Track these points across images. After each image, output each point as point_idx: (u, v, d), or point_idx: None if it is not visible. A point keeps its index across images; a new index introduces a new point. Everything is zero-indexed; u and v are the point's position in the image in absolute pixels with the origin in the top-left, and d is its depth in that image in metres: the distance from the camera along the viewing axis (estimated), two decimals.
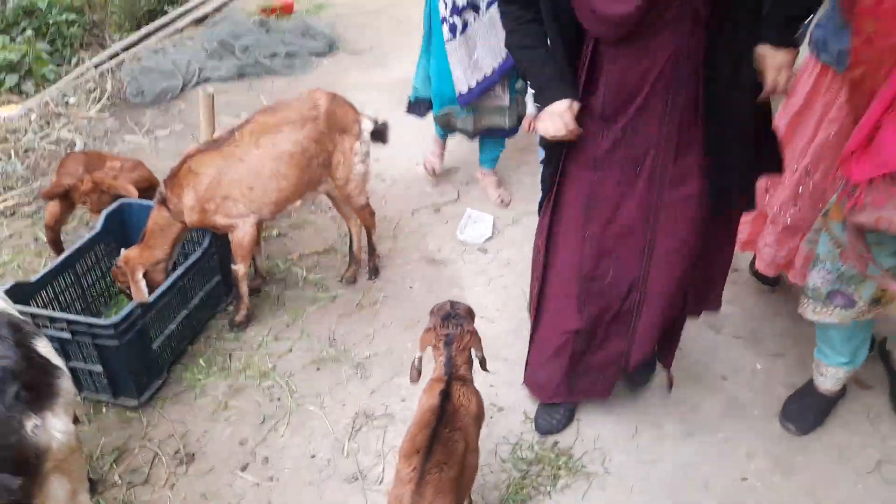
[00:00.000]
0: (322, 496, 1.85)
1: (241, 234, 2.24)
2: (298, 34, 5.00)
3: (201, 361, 2.25)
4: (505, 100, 2.73)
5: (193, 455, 1.96)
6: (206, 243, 2.31)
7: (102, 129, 3.86)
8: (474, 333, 1.64)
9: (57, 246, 2.64)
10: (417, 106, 3.01)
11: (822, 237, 1.79)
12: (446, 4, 2.51)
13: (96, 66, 4.69)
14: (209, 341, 2.36)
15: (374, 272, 2.66)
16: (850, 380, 2.00)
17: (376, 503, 1.82)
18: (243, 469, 1.92)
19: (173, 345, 2.21)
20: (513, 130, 2.88)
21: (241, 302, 2.37)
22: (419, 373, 1.63)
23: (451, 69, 2.61)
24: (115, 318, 1.92)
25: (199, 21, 6.00)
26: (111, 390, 2.05)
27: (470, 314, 1.69)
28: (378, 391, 2.16)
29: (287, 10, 5.76)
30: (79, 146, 3.59)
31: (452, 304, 1.69)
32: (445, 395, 1.53)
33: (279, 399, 2.13)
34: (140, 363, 2.04)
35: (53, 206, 2.56)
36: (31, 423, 1.25)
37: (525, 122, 2.69)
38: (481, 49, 2.57)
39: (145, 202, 2.56)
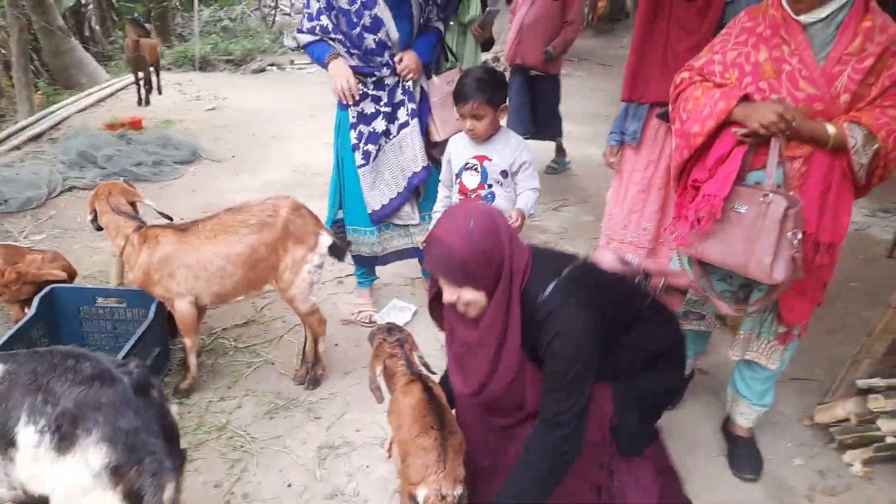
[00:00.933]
0: None
1: (180, 311, 2.42)
2: (159, 145, 5.22)
3: None
4: (415, 218, 2.86)
5: None
6: (151, 315, 2.45)
7: None
8: (412, 338, 1.92)
9: None
10: (337, 229, 3.03)
11: (674, 260, 2.20)
12: (360, 134, 2.66)
13: None
14: None
15: (314, 382, 2.61)
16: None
17: None
18: None
19: None
20: (423, 253, 2.84)
21: (189, 371, 2.51)
22: (380, 390, 1.86)
23: (362, 191, 2.74)
24: None
25: (35, 138, 5.94)
26: None
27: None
28: (333, 427, 2.41)
29: (135, 125, 5.95)
30: None
31: (388, 324, 2.00)
32: (425, 386, 1.79)
33: (241, 446, 2.29)
34: None
35: None
36: None
37: (420, 241, 2.83)
38: (391, 171, 2.73)
39: (73, 286, 2.65)
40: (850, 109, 1.78)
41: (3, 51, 9.27)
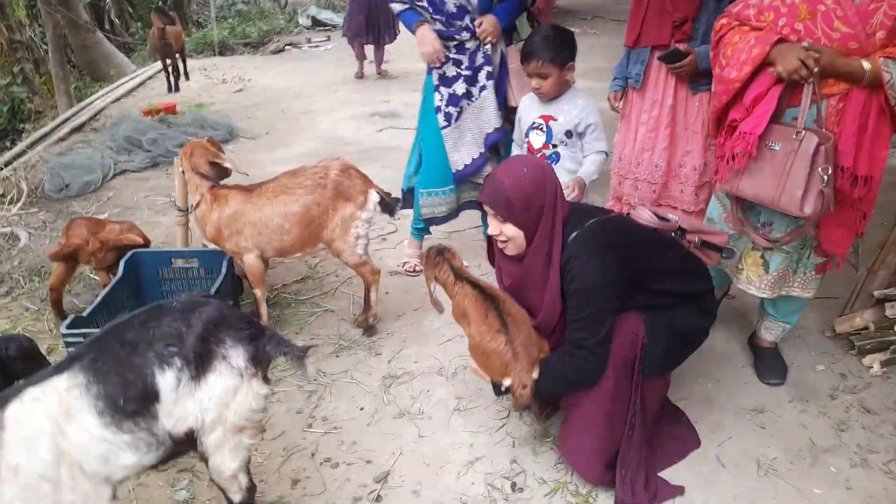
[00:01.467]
0: (381, 430, 2.31)
1: (249, 264, 2.69)
2: (198, 126, 5.47)
3: None
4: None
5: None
6: (223, 270, 2.72)
7: (36, 221, 4.03)
8: (454, 250, 2.12)
9: (59, 307, 2.88)
10: (409, 196, 3.24)
11: (712, 202, 2.36)
12: (442, 96, 2.82)
13: None
14: None
15: (369, 330, 2.81)
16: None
17: (422, 427, 2.32)
18: (309, 426, 2.33)
19: None
20: None
21: (261, 319, 2.79)
22: (439, 303, 2.12)
23: (447, 152, 2.89)
24: None
25: (77, 129, 6.25)
26: None
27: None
28: (393, 361, 2.68)
29: (171, 110, 6.21)
30: (23, 238, 3.76)
31: (431, 246, 2.17)
32: (474, 284, 1.98)
33: (315, 380, 2.57)
34: None
35: (59, 268, 2.82)
36: None
37: None
38: (472, 132, 2.89)
39: (152, 250, 2.94)
40: (886, 46, 1.80)
41: (31, 50, 9.60)
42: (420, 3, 2.71)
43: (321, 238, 2.70)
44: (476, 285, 2.00)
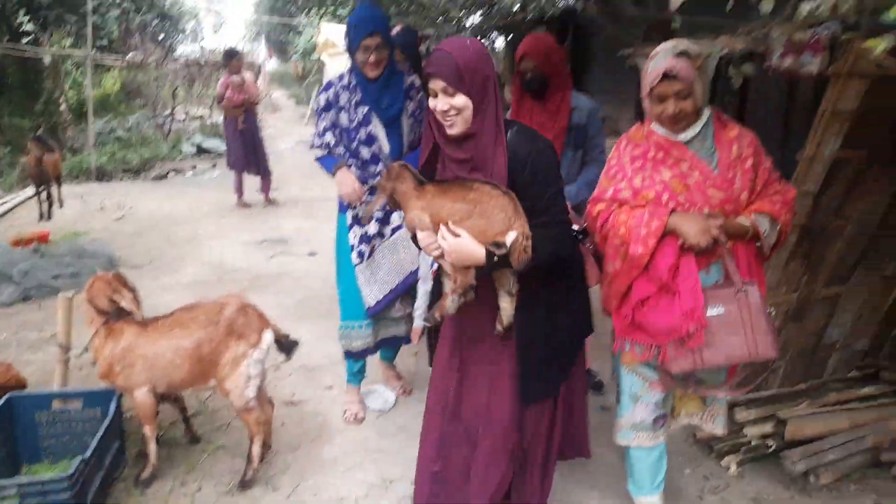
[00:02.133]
0: None
1: (139, 400, 2.65)
2: (75, 256, 5.29)
3: None
4: (403, 311, 3.11)
5: None
6: (111, 410, 2.64)
7: None
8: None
9: None
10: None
11: (626, 378, 2.27)
12: (356, 235, 2.95)
13: None
14: (117, 499, 2.59)
15: (244, 485, 2.67)
16: None
17: None
18: None
19: (98, 498, 2.43)
20: (407, 339, 3.21)
21: (148, 459, 2.68)
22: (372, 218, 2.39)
23: (359, 288, 2.99)
24: (68, 472, 2.19)
25: None
26: None
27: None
28: (292, 495, 2.65)
29: (43, 240, 5.96)
30: None
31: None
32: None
33: None
34: None
35: None
36: None
37: (413, 336, 3.07)
38: (385, 268, 3.00)
39: (29, 393, 2.80)
40: (748, 204, 2.07)
41: None
42: (337, 150, 2.90)
43: (211, 375, 2.68)
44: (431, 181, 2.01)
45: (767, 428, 2.96)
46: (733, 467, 2.87)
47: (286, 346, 2.78)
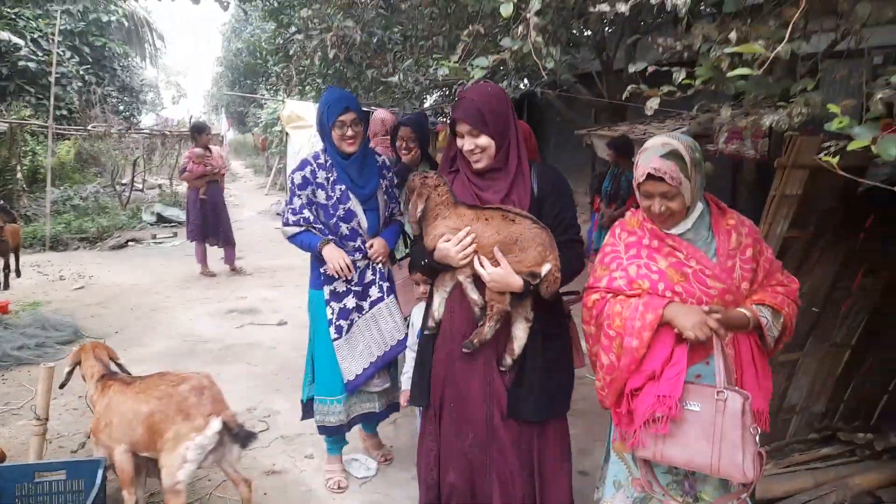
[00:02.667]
0: None
1: (117, 459, 2.68)
2: (39, 327, 5.21)
3: None
4: (381, 386, 3.14)
5: None
6: (98, 480, 2.60)
7: None
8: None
9: None
10: (309, 406, 3.21)
11: (614, 463, 2.16)
12: (333, 310, 2.96)
13: None
14: None
15: None
16: None
17: None
18: None
19: None
20: (384, 414, 3.24)
21: None
22: (418, 223, 2.26)
23: (339, 362, 2.99)
24: None
25: None
26: None
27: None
28: None
29: (3, 310, 5.84)
30: None
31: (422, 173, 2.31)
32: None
33: None
34: None
35: None
36: None
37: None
38: (364, 342, 3.03)
39: (10, 465, 2.74)
40: (749, 294, 1.97)
41: None
42: (317, 226, 2.94)
43: (156, 446, 2.64)
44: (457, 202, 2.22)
45: None
46: None
47: (240, 436, 2.64)
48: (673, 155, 1.87)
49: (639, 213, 2.06)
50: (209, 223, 7.75)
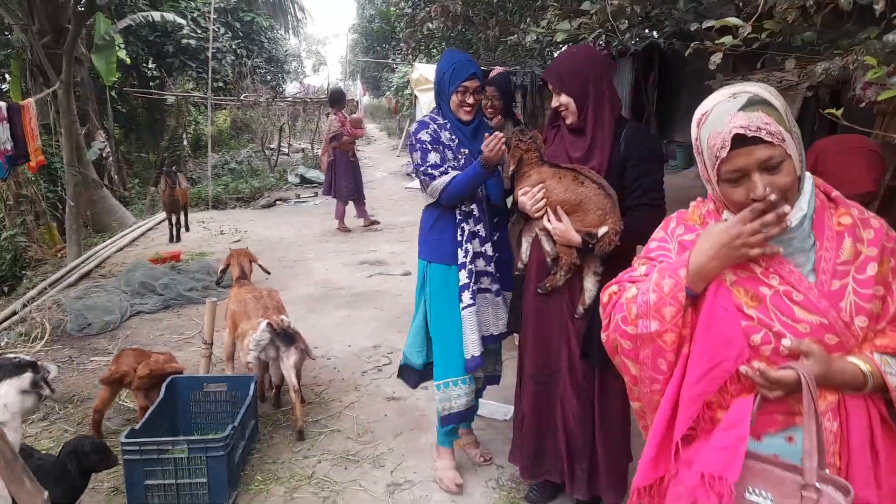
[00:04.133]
0: None
1: (226, 341, 3.67)
2: (204, 273, 6.06)
3: (258, 476, 3.02)
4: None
5: None
6: (250, 392, 3.19)
7: (62, 356, 4.45)
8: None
9: (99, 427, 3.27)
10: (408, 372, 3.09)
11: None
12: (470, 273, 2.68)
13: (14, 313, 5.28)
14: (254, 466, 3.13)
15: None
16: None
17: None
18: None
19: (240, 464, 2.97)
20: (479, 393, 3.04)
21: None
22: (511, 179, 2.48)
23: (464, 334, 2.70)
24: (224, 433, 2.74)
25: (85, 276, 6.79)
26: (207, 498, 2.75)
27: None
28: (395, 471, 3.09)
29: (176, 258, 6.83)
30: (53, 370, 4.15)
31: (519, 128, 2.51)
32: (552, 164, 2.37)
33: (328, 486, 2.96)
34: (231, 473, 2.80)
35: (105, 392, 3.25)
36: None
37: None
38: (490, 317, 2.79)
39: (188, 376, 3.41)
40: (868, 334, 1.28)
41: (34, 203, 10.32)
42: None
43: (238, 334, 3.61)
44: (547, 161, 2.40)
45: None
46: None
47: (280, 334, 3.35)
48: (758, 103, 1.25)
49: (704, 204, 1.46)
50: (357, 183, 8.56)
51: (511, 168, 2.46)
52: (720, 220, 1.39)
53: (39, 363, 2.56)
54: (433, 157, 2.67)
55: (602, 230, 2.22)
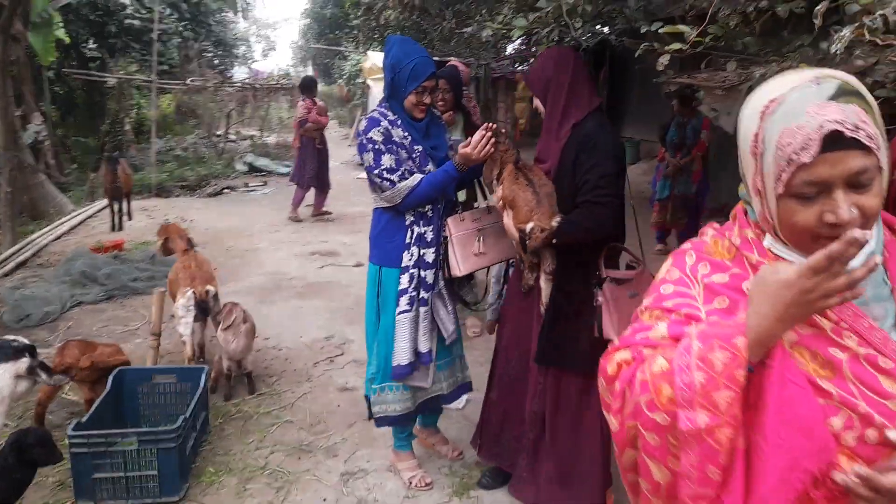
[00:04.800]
0: None
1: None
2: (149, 263, 5.91)
3: (210, 468, 2.99)
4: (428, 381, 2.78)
5: None
6: (202, 382, 3.15)
7: None
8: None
9: (42, 420, 3.18)
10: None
11: None
12: (412, 278, 2.61)
13: None
14: (205, 458, 3.10)
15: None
16: None
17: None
18: None
19: (191, 456, 2.94)
20: (452, 397, 2.95)
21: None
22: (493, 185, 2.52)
23: (395, 340, 2.64)
24: (174, 425, 2.70)
25: (21, 265, 6.53)
26: (158, 491, 2.71)
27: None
28: (348, 461, 3.12)
29: (119, 247, 6.65)
30: None
31: (496, 127, 2.53)
32: (518, 167, 2.43)
33: (282, 477, 2.96)
34: (182, 465, 2.77)
35: (47, 386, 3.15)
36: None
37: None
38: (424, 330, 2.67)
39: (136, 367, 3.35)
40: None
41: None
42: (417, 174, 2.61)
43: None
44: (517, 163, 2.48)
45: None
46: None
47: (200, 306, 3.64)
48: (852, 94, 0.94)
49: (732, 231, 1.11)
50: (320, 170, 8.52)
51: (495, 171, 2.50)
52: (763, 250, 1.03)
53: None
54: (387, 160, 2.54)
55: (528, 227, 2.31)
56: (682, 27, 1.76)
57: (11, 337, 2.40)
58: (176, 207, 9.40)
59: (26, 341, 2.37)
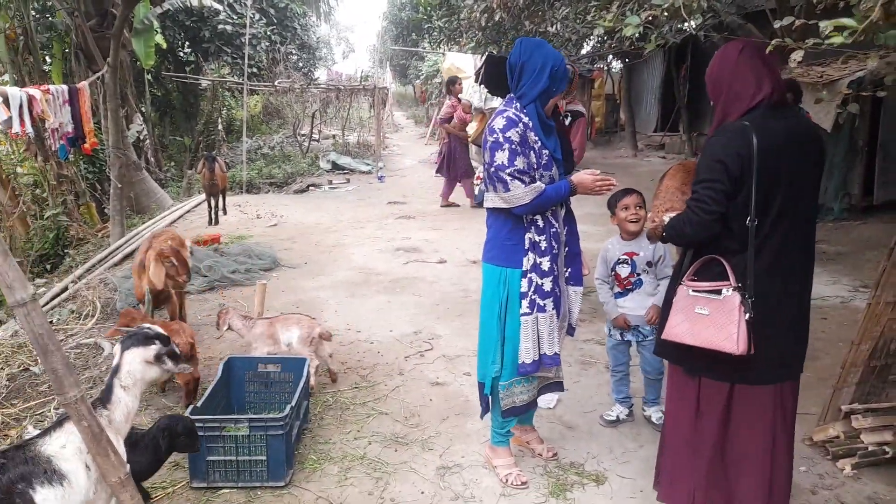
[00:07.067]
0: None
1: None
2: (246, 256, 6.18)
3: (312, 455, 3.11)
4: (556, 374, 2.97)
5: None
6: (304, 372, 3.27)
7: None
8: None
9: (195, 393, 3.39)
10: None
11: None
12: (530, 282, 2.68)
13: (63, 290, 5.44)
14: (307, 445, 3.21)
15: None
16: None
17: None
18: None
19: (294, 442, 3.06)
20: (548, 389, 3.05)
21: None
22: None
23: (521, 340, 2.71)
24: (283, 413, 2.82)
25: (127, 256, 6.95)
26: (266, 476, 2.83)
27: None
28: (444, 455, 3.16)
29: (217, 240, 6.96)
30: (106, 347, 4.29)
31: None
32: None
33: (380, 467, 3.04)
34: (288, 452, 2.88)
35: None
36: None
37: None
38: (550, 333, 2.74)
39: (244, 356, 3.50)
40: None
41: (74, 183, 10.55)
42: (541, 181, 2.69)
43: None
44: None
45: (886, 436, 3.12)
46: (848, 469, 3.06)
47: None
48: None
49: None
50: (461, 163, 8.98)
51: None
52: None
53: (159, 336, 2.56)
54: (520, 162, 2.58)
55: (668, 217, 2.43)
56: (845, 20, 1.67)
57: (147, 325, 2.54)
58: (266, 203, 9.78)
59: (159, 329, 2.50)
